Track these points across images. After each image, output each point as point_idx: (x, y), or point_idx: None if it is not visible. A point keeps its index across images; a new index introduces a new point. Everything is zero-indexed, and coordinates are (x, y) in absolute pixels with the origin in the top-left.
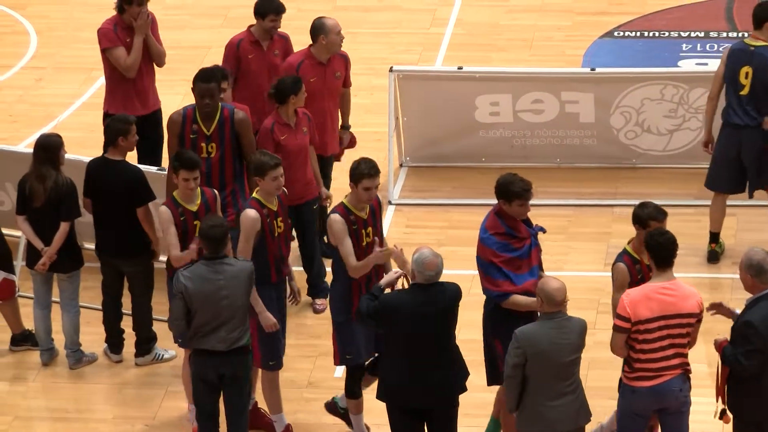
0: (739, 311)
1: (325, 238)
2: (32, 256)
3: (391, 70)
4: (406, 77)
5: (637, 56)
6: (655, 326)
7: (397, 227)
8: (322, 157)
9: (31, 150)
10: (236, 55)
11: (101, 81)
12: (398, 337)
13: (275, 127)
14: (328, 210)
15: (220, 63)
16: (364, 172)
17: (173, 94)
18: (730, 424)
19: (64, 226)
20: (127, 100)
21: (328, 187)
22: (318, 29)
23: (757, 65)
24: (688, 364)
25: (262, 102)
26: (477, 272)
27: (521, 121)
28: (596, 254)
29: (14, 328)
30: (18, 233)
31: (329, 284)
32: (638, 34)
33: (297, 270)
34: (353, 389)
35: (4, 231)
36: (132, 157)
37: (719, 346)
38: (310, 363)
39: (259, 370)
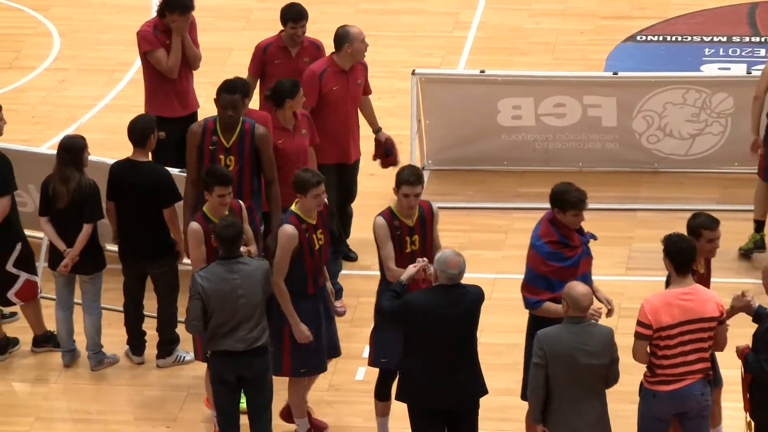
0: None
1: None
2: (55, 257)
3: (413, 73)
4: (428, 80)
5: (660, 60)
6: (677, 332)
7: None
8: (345, 165)
9: (53, 152)
10: (262, 59)
11: (124, 82)
12: (419, 338)
13: (272, 131)
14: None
15: (243, 64)
16: (404, 178)
17: (196, 95)
18: None
19: (86, 228)
20: (167, 102)
21: (355, 193)
22: (343, 37)
23: None
24: (709, 368)
25: None
26: (498, 276)
27: (543, 124)
28: (618, 258)
29: (36, 330)
30: (40, 234)
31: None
32: (661, 38)
33: None
34: (382, 391)
35: (27, 232)
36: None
37: (741, 353)
38: (330, 366)
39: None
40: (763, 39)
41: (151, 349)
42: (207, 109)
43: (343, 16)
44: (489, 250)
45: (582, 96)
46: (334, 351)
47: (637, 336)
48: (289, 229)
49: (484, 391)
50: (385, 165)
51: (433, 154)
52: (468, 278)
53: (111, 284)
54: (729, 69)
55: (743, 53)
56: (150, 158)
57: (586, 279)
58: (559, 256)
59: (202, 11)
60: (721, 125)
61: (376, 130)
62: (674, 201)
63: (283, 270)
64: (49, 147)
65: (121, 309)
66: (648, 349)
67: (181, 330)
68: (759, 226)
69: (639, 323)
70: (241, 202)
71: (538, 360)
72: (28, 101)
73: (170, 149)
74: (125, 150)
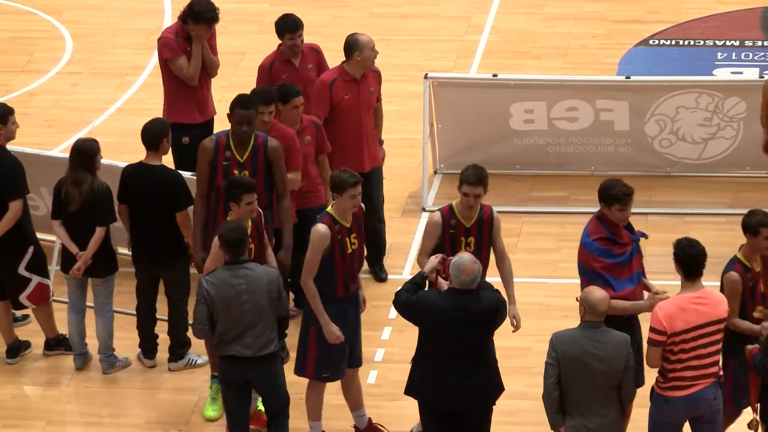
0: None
1: None
2: (67, 260)
3: (426, 77)
4: (440, 84)
5: (672, 64)
6: (691, 336)
7: None
8: (362, 173)
9: (65, 155)
10: (269, 78)
11: (137, 86)
12: (428, 337)
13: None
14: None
15: (255, 68)
16: (466, 177)
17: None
18: None
19: (99, 231)
20: (188, 109)
21: (376, 203)
22: (352, 46)
23: None
24: (720, 371)
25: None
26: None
27: (556, 128)
28: None
29: (48, 333)
30: (52, 238)
31: None
32: (673, 42)
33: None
34: None
35: (39, 236)
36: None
37: (749, 353)
38: None
39: (360, 389)
40: None
41: (162, 353)
42: (220, 113)
43: (356, 20)
44: None
45: (594, 100)
46: (355, 360)
47: (651, 342)
48: (321, 228)
49: (490, 400)
50: None
51: (445, 158)
52: None
53: (123, 287)
54: (741, 73)
55: (756, 57)
56: (162, 162)
57: (640, 276)
58: (609, 253)
59: None
60: (734, 129)
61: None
62: (686, 205)
63: (312, 269)
64: (61, 150)
65: (134, 312)
66: (662, 355)
67: (192, 334)
68: None
69: (653, 329)
70: (258, 209)
71: (550, 360)
72: (40, 105)
73: (190, 155)
74: (138, 153)
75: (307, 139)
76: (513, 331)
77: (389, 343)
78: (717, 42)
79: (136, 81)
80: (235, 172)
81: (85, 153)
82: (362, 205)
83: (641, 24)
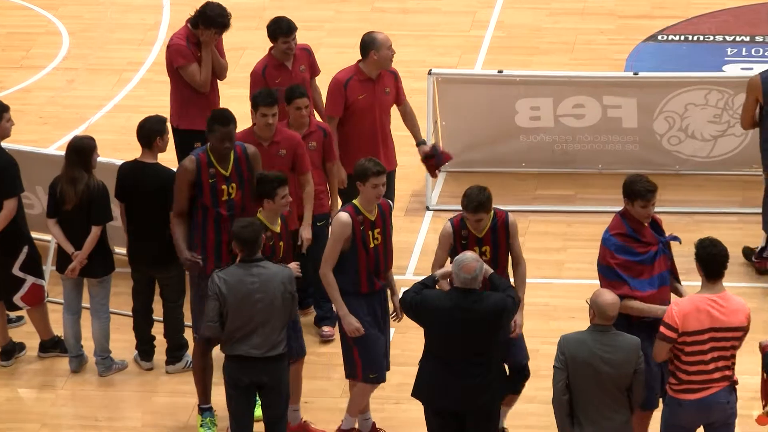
0: None
1: None
2: (62, 260)
3: (429, 73)
4: (445, 80)
5: (681, 60)
6: (703, 338)
7: (435, 233)
8: None
9: (61, 153)
10: (263, 84)
11: (134, 82)
12: (431, 336)
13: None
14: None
15: (255, 62)
16: (464, 205)
17: None
18: None
19: (95, 230)
20: (200, 116)
21: (393, 201)
22: (369, 44)
23: None
24: (734, 376)
25: None
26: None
27: (562, 125)
28: None
29: (43, 335)
30: (47, 237)
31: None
32: (682, 38)
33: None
34: None
35: (34, 235)
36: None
37: (763, 349)
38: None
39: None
40: None
41: (160, 355)
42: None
43: (359, 14)
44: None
45: (602, 96)
46: (387, 363)
47: (661, 337)
48: (343, 216)
49: (493, 401)
50: (430, 170)
51: None
52: None
53: (120, 288)
54: (752, 69)
55: (766, 53)
56: (157, 160)
57: (664, 279)
58: (628, 250)
59: None
60: None
61: (418, 143)
62: (696, 204)
63: (331, 259)
64: (57, 148)
65: (130, 313)
66: (674, 355)
67: (189, 335)
68: None
69: (665, 324)
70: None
71: (558, 364)
72: (35, 101)
73: None
74: (135, 151)
75: (312, 145)
76: (510, 335)
77: (392, 346)
78: (727, 37)
79: (134, 77)
80: (223, 187)
81: (82, 151)
82: (390, 202)
83: (650, 19)
